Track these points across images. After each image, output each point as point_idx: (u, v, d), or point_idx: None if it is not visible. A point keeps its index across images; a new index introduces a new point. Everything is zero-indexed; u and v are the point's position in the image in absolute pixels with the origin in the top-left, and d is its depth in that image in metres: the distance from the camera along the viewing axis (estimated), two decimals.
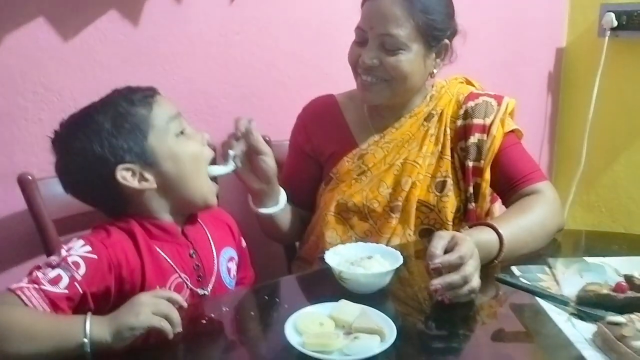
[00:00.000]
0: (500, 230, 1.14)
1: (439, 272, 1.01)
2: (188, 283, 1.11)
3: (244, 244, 1.31)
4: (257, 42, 1.67)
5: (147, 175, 1.07)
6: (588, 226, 2.38)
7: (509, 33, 2.26)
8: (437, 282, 0.99)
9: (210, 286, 1.15)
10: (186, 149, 1.10)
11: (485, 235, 1.14)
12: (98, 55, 1.42)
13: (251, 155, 1.25)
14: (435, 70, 1.37)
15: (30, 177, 1.27)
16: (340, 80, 1.57)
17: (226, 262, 1.21)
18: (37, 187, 1.28)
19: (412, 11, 1.26)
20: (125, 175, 1.05)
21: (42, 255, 1.31)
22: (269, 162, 1.27)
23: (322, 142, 1.45)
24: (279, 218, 1.38)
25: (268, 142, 1.67)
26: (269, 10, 1.68)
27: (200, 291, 1.13)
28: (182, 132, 1.11)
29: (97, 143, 1.04)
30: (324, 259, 1.11)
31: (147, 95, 1.10)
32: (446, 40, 1.34)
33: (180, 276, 1.10)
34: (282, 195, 1.36)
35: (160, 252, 1.09)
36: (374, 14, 1.28)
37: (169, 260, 1.09)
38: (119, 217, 1.09)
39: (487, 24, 2.07)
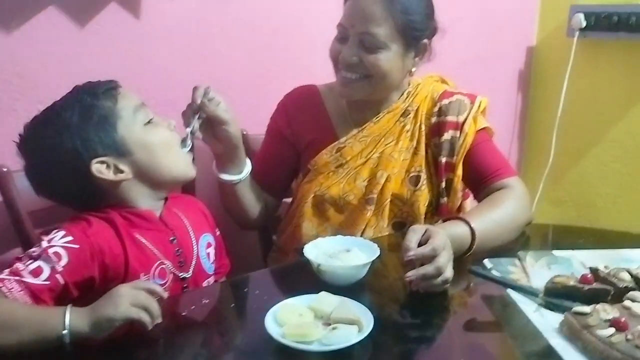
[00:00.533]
0: (473, 224, 1.18)
1: (413, 264, 1.04)
2: (171, 268, 1.12)
3: (217, 232, 1.32)
4: (236, 34, 1.68)
5: (122, 166, 1.08)
6: (555, 220, 2.44)
7: (481, 31, 2.30)
8: (411, 274, 1.02)
9: (190, 270, 1.16)
10: (155, 136, 1.12)
11: (458, 229, 1.17)
12: (74, 44, 1.40)
13: (213, 123, 1.26)
14: (413, 69, 1.40)
15: (5, 169, 1.25)
16: (319, 74, 1.58)
17: (205, 248, 1.22)
18: (12, 179, 1.26)
19: (392, 11, 1.28)
20: (100, 168, 1.06)
21: (18, 247, 1.29)
22: (230, 130, 1.28)
23: (302, 128, 1.46)
24: (240, 190, 1.38)
25: (245, 135, 1.69)
26: (248, 3, 1.68)
27: (182, 274, 1.14)
28: (149, 122, 1.12)
29: (68, 137, 1.05)
30: (300, 250, 1.13)
31: (110, 87, 1.11)
32: (425, 40, 1.37)
33: (163, 262, 1.11)
34: (247, 166, 1.37)
35: (142, 239, 1.09)
36: (355, 13, 1.31)
37: (151, 247, 1.10)
38: (96, 209, 1.09)
39: (459, 22, 2.10)
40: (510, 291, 1.07)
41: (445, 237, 1.07)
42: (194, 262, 1.17)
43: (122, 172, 1.08)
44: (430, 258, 1.03)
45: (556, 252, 1.21)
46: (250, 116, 1.72)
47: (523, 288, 1.07)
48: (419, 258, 1.03)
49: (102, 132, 1.06)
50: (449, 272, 1.04)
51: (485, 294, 1.10)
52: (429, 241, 1.05)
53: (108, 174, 1.07)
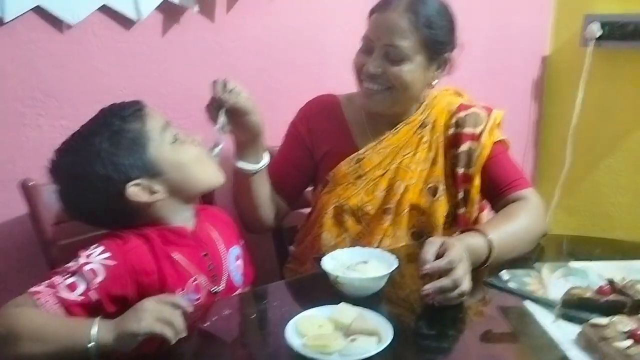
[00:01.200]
0: (489, 236, 1.19)
1: (430, 277, 1.05)
2: (204, 284, 1.14)
3: (242, 241, 1.33)
4: (251, 49, 1.70)
5: (156, 186, 1.10)
6: (570, 230, 2.43)
7: (495, 41, 2.31)
8: (428, 287, 1.04)
9: (222, 284, 1.18)
10: (184, 154, 1.14)
11: (475, 241, 1.18)
12: (96, 61, 1.44)
13: (235, 113, 1.27)
14: (434, 82, 1.42)
15: (31, 183, 1.29)
16: (332, 87, 1.61)
17: (234, 261, 1.24)
18: (37, 192, 1.29)
19: (417, 25, 1.31)
20: (135, 191, 1.08)
21: (42, 259, 1.33)
22: (253, 119, 1.30)
23: (321, 137, 1.49)
24: (255, 182, 1.39)
25: None
26: (263, 18, 1.71)
27: (214, 289, 1.16)
28: (175, 139, 1.14)
29: (99, 165, 1.06)
30: (318, 260, 1.15)
31: (136, 109, 1.12)
32: (447, 54, 1.39)
33: (197, 277, 1.13)
34: (266, 157, 1.39)
35: (176, 256, 1.12)
36: (381, 26, 1.34)
37: (185, 263, 1.12)
38: (130, 227, 1.11)
39: (473, 32, 2.11)
40: (526, 302, 1.08)
41: (462, 249, 1.08)
42: (225, 276, 1.20)
43: (156, 192, 1.10)
44: (446, 271, 1.04)
45: (572, 264, 1.22)
46: (265, 129, 1.75)
47: (540, 299, 1.08)
48: (435, 271, 1.05)
49: (133, 155, 1.08)
50: (465, 285, 1.05)
51: (501, 305, 1.11)
52: (446, 254, 1.06)
53: (143, 196, 1.08)
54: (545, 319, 1.02)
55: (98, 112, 1.14)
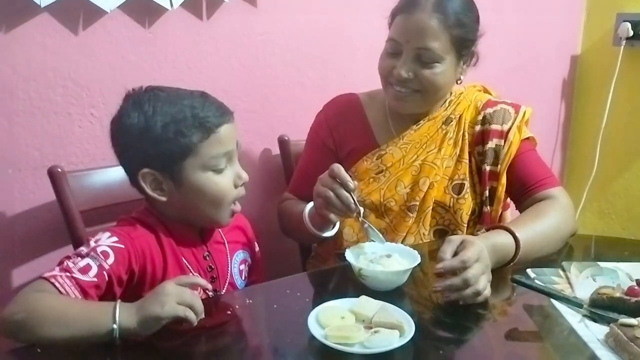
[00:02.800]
0: (517, 234, 1.17)
1: (445, 276, 1.04)
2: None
3: (257, 248, 1.32)
4: (279, 43, 1.71)
5: (165, 187, 1.09)
6: (598, 232, 2.39)
7: (525, 40, 2.28)
8: (438, 285, 1.03)
9: (224, 288, 1.18)
10: (213, 187, 1.09)
11: (501, 238, 1.17)
12: (126, 52, 1.45)
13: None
14: (462, 77, 1.41)
15: (60, 170, 1.30)
16: (358, 82, 1.60)
17: (239, 265, 1.24)
18: (66, 179, 1.31)
19: (447, 25, 1.29)
20: (145, 178, 1.08)
21: (69, 245, 1.35)
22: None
23: (344, 137, 1.47)
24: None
25: (286, 141, 1.72)
26: (291, 13, 1.71)
27: (212, 293, 1.15)
28: (219, 170, 1.10)
29: (139, 138, 1.05)
30: (341, 255, 1.15)
31: (214, 122, 1.07)
32: (474, 48, 1.38)
33: (194, 276, 1.12)
34: (338, 222, 1.32)
35: (177, 250, 1.12)
36: (410, 28, 1.30)
37: (184, 260, 1.12)
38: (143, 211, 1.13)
39: (503, 31, 2.10)
40: (553, 301, 1.07)
41: (480, 249, 1.06)
42: (227, 279, 1.19)
43: (162, 191, 1.09)
44: (461, 270, 1.02)
45: (602, 264, 1.20)
46: (291, 123, 1.76)
47: (567, 298, 1.06)
48: (448, 270, 1.03)
49: (170, 153, 1.05)
50: (481, 285, 1.03)
51: (528, 304, 1.09)
52: (460, 253, 1.04)
53: (146, 187, 1.08)
54: (572, 318, 1.01)
55: (190, 92, 1.10)
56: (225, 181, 1.11)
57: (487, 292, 1.05)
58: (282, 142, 1.72)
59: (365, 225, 1.20)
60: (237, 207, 1.15)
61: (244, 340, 0.97)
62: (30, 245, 1.39)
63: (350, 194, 1.16)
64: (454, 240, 1.08)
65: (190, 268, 1.13)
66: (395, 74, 1.33)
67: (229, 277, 1.20)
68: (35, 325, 0.89)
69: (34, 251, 1.40)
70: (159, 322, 0.89)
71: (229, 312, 1.04)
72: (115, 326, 0.88)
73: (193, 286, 0.97)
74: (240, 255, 1.25)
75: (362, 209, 1.19)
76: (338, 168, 1.17)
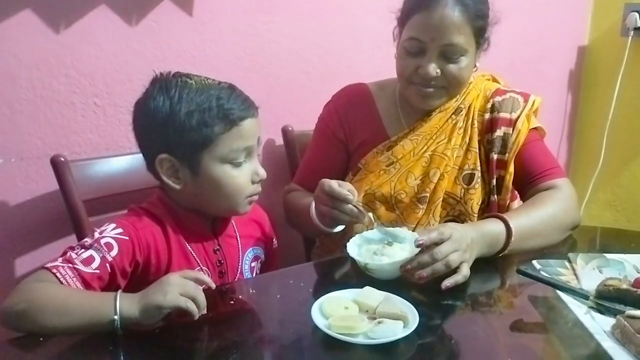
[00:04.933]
0: (511, 223, 1.17)
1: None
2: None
3: (275, 244, 1.31)
4: (283, 32, 1.70)
5: (181, 175, 1.08)
6: (604, 224, 2.38)
7: (531, 30, 2.26)
8: (406, 263, 1.05)
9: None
10: (229, 180, 1.08)
11: (491, 226, 1.17)
12: (130, 41, 1.44)
13: None
14: (477, 64, 1.39)
15: (62, 159, 1.30)
16: (364, 72, 1.59)
17: (250, 262, 1.23)
18: (69, 168, 1.31)
19: (468, 17, 1.27)
20: (162, 163, 1.07)
21: (72, 234, 1.35)
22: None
23: (354, 128, 1.46)
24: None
25: (290, 132, 1.71)
26: (295, 2, 1.70)
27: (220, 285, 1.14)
28: (238, 164, 1.09)
29: (162, 122, 1.04)
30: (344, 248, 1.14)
31: (238, 115, 1.06)
32: (488, 34, 1.36)
33: (202, 269, 1.13)
34: None
35: (186, 243, 1.11)
36: (434, 26, 1.27)
37: (192, 252, 1.12)
38: (157, 197, 1.12)
39: (509, 21, 2.07)
40: (559, 293, 1.06)
41: (457, 230, 1.08)
42: (236, 275, 1.19)
43: (177, 178, 1.08)
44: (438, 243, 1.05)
45: (608, 255, 1.18)
46: (295, 113, 1.75)
47: (573, 290, 1.05)
48: (427, 243, 1.05)
49: (191, 142, 1.04)
50: (451, 259, 1.04)
51: (533, 295, 1.08)
52: (439, 230, 1.07)
53: (162, 172, 1.07)
54: (578, 309, 1.00)
55: (219, 84, 1.09)
56: (242, 176, 1.10)
57: (465, 272, 1.06)
58: (286, 132, 1.71)
59: (376, 227, 1.19)
60: (255, 197, 1.15)
61: (247, 330, 0.97)
62: (33, 235, 1.39)
63: (355, 205, 1.16)
64: (434, 226, 1.10)
65: (198, 261, 1.12)
66: (421, 74, 1.31)
67: (238, 273, 1.19)
68: (37, 315, 0.89)
69: (37, 240, 1.40)
70: (161, 312, 0.89)
71: (232, 302, 1.03)
72: (116, 317, 0.88)
73: (198, 282, 0.96)
74: (252, 251, 1.24)
75: (371, 215, 1.21)
76: (329, 185, 1.17)
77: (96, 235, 1.02)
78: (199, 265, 1.13)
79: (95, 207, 1.36)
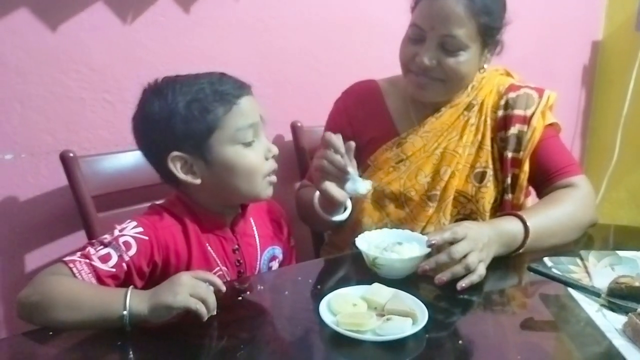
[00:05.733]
0: (526, 220, 1.15)
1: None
2: (228, 277, 1.14)
3: (292, 243, 1.31)
4: (293, 27, 1.69)
5: (196, 169, 1.08)
6: (617, 222, 2.35)
7: (545, 24, 2.23)
8: (424, 263, 1.04)
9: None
10: (244, 160, 1.08)
11: (508, 224, 1.15)
12: (140, 36, 1.44)
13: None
14: (486, 65, 1.37)
15: (72, 155, 1.31)
16: (374, 68, 1.58)
17: (268, 261, 1.22)
18: (78, 164, 1.31)
19: (473, 11, 1.25)
20: (175, 163, 1.07)
21: (81, 230, 1.35)
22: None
23: (363, 126, 1.45)
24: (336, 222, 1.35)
25: (299, 127, 1.70)
26: None
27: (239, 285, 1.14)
28: (249, 143, 1.09)
29: (164, 122, 1.05)
30: (353, 244, 1.13)
31: (234, 94, 1.07)
32: (499, 36, 1.34)
33: (221, 269, 1.13)
34: (349, 203, 1.32)
35: (206, 243, 1.11)
36: (435, 14, 1.26)
37: (212, 252, 1.12)
38: (174, 200, 1.12)
39: (522, 15, 2.05)
40: (570, 291, 1.04)
41: (472, 229, 1.07)
42: (255, 274, 1.18)
43: (194, 174, 1.08)
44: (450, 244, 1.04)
45: (620, 253, 1.17)
46: (304, 109, 1.74)
47: (585, 287, 1.03)
48: (439, 243, 1.04)
49: (197, 131, 1.05)
50: (470, 260, 1.03)
51: (544, 293, 1.07)
52: (453, 229, 1.06)
53: (178, 172, 1.07)
54: (590, 307, 0.98)
55: (208, 73, 1.10)
56: (255, 154, 1.10)
57: (481, 271, 1.05)
58: (295, 128, 1.71)
59: (349, 175, 1.18)
60: (273, 178, 1.15)
61: (254, 326, 0.96)
62: (42, 230, 1.40)
63: (345, 157, 1.16)
64: (450, 226, 1.09)
65: (218, 261, 1.12)
66: (417, 62, 1.30)
67: (256, 272, 1.19)
68: (48, 307, 0.90)
69: (46, 235, 1.41)
70: (170, 311, 0.89)
71: (240, 298, 1.03)
72: (125, 312, 0.88)
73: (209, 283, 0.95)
74: (270, 251, 1.23)
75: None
76: (328, 135, 1.17)
77: (116, 232, 1.02)
78: (218, 266, 1.12)
79: (104, 202, 1.36)
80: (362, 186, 1.19)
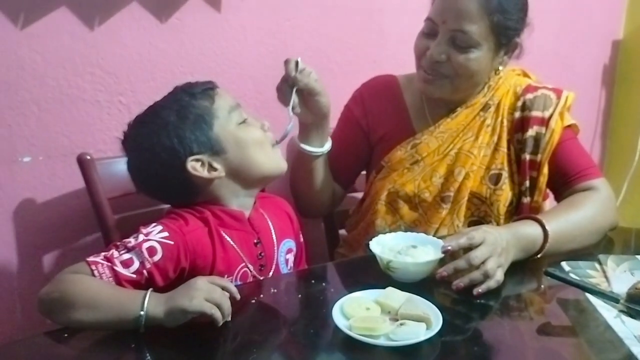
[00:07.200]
0: (546, 224, 1.14)
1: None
2: (252, 272, 1.14)
3: (301, 238, 1.32)
4: (306, 28, 1.68)
5: (216, 164, 1.11)
6: (638, 225, 2.31)
7: (564, 23, 2.20)
8: (442, 269, 1.02)
9: (270, 275, 1.17)
10: (248, 134, 1.14)
11: (527, 228, 1.14)
12: (154, 39, 1.45)
13: (305, 94, 1.25)
14: (501, 67, 1.35)
15: (88, 157, 1.31)
16: (389, 68, 1.56)
17: (285, 254, 1.23)
18: (94, 166, 1.32)
19: (488, 9, 1.23)
20: (195, 166, 1.09)
21: (97, 232, 1.36)
22: (322, 100, 1.28)
23: (378, 120, 1.44)
24: (317, 166, 1.37)
25: None
26: None
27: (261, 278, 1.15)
28: (243, 121, 1.15)
29: (165, 136, 1.08)
30: (366, 246, 1.12)
31: (207, 88, 1.14)
32: (517, 39, 1.32)
33: (246, 265, 1.13)
34: (329, 141, 1.37)
35: (229, 239, 1.12)
36: (448, 8, 1.25)
37: (237, 248, 1.12)
38: (191, 206, 1.13)
39: (541, 14, 2.03)
40: (588, 296, 1.02)
41: (491, 233, 1.05)
42: (273, 267, 1.19)
43: (215, 169, 1.11)
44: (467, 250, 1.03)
45: None
46: None
47: (603, 293, 1.02)
48: (455, 249, 1.03)
49: (198, 130, 1.09)
50: (488, 266, 1.02)
51: (562, 298, 1.05)
52: (469, 234, 1.04)
53: (202, 172, 1.09)
54: (608, 313, 0.96)
55: (173, 89, 1.16)
56: (254, 127, 1.16)
57: (499, 277, 1.03)
58: None
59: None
60: (277, 145, 1.21)
61: (267, 329, 0.96)
62: (59, 231, 1.41)
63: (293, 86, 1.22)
64: (466, 231, 1.08)
65: (243, 257, 1.13)
66: (428, 56, 1.29)
67: (274, 266, 1.19)
68: (67, 306, 0.91)
69: (63, 237, 1.42)
70: (185, 315, 0.89)
71: (253, 301, 1.03)
72: (142, 313, 0.89)
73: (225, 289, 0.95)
74: (287, 244, 1.24)
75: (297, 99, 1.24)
76: (288, 59, 1.23)
77: (141, 237, 1.02)
78: (243, 262, 1.13)
79: (121, 204, 1.36)
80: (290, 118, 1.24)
